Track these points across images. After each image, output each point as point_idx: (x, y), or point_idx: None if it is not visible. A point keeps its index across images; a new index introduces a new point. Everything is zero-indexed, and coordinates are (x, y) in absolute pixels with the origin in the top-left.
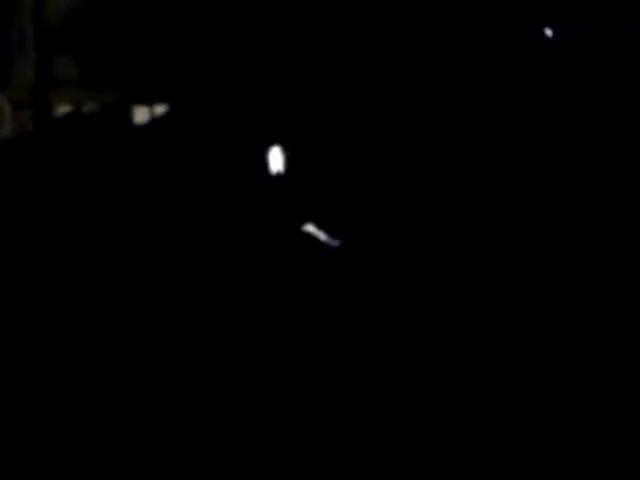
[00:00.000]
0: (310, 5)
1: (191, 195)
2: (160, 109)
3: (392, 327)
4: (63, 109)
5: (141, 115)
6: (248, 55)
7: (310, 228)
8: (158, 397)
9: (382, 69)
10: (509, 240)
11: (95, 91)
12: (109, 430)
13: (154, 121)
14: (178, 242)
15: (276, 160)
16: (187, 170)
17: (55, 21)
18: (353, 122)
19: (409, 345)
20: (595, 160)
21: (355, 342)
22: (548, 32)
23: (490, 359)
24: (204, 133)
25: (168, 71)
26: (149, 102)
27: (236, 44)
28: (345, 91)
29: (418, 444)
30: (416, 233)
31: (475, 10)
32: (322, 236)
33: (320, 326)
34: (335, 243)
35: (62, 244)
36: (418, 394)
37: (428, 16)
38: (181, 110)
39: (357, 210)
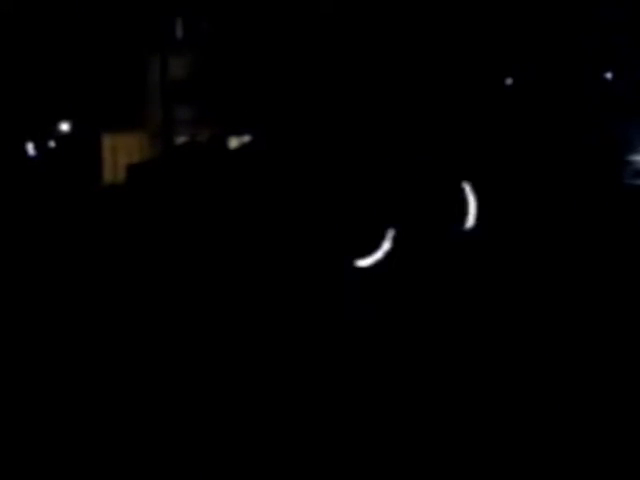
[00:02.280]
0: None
1: (262, 195)
2: (246, 138)
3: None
4: (182, 139)
5: (234, 142)
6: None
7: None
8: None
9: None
10: None
11: (204, 127)
12: None
13: (242, 146)
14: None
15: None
16: (262, 177)
17: (176, 79)
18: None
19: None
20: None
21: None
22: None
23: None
24: (272, 154)
25: (250, 116)
26: (239, 134)
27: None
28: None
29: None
30: None
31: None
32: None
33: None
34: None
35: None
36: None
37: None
38: (258, 140)
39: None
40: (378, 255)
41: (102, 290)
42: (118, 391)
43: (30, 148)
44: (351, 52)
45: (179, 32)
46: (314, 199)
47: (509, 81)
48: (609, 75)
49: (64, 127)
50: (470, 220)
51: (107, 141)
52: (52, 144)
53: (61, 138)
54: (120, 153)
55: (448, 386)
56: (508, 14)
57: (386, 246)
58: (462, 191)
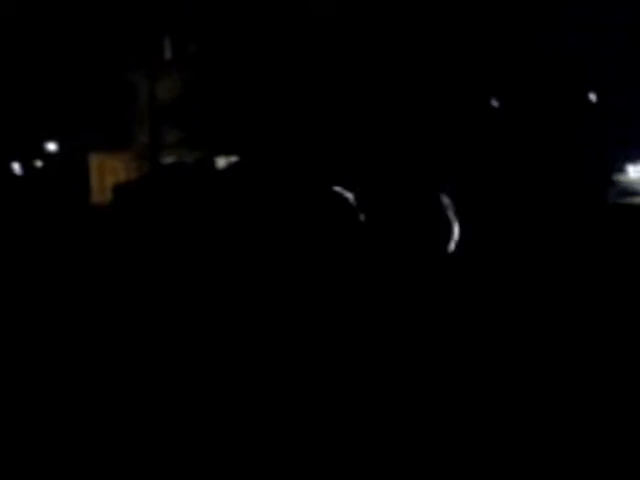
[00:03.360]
0: None
1: (249, 213)
2: (233, 159)
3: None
4: (169, 160)
5: (222, 163)
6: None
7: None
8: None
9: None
10: None
11: (191, 148)
12: None
13: (229, 166)
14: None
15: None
16: (248, 197)
17: (163, 100)
18: None
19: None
20: None
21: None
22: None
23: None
24: (259, 175)
25: (238, 137)
26: (227, 154)
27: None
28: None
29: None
30: None
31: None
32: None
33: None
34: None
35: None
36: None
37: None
38: (244, 161)
39: None
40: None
41: (89, 307)
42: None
43: (17, 167)
44: (338, 78)
45: (167, 53)
46: (300, 218)
47: (496, 102)
48: (594, 96)
49: (52, 147)
50: (453, 242)
51: (94, 161)
52: (39, 164)
53: (49, 158)
54: (107, 173)
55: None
56: (496, 30)
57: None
58: (445, 212)
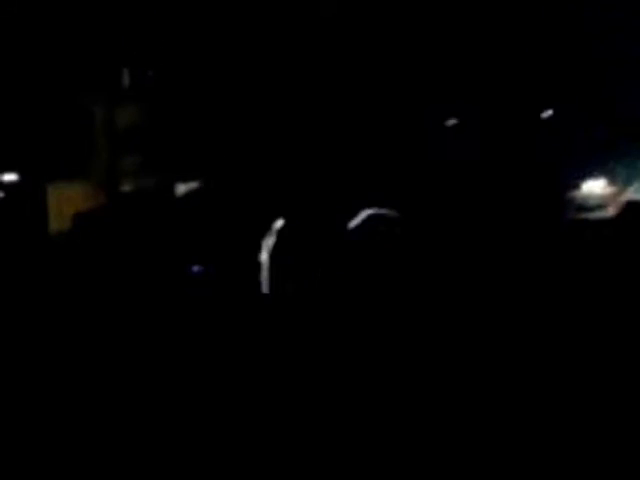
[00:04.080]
0: None
1: (208, 234)
2: (193, 185)
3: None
4: (129, 187)
5: (181, 189)
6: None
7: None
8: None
9: None
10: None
11: (151, 175)
12: None
13: (189, 193)
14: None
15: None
16: (205, 221)
17: (122, 128)
18: None
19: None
20: None
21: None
22: None
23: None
24: (217, 200)
25: (196, 165)
26: (186, 181)
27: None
28: None
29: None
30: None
31: None
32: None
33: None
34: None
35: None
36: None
37: None
38: (205, 187)
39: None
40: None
41: (50, 333)
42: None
43: None
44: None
45: (125, 80)
46: (256, 244)
47: (452, 121)
48: (550, 113)
49: (10, 177)
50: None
51: (52, 191)
52: None
53: (7, 188)
54: (66, 203)
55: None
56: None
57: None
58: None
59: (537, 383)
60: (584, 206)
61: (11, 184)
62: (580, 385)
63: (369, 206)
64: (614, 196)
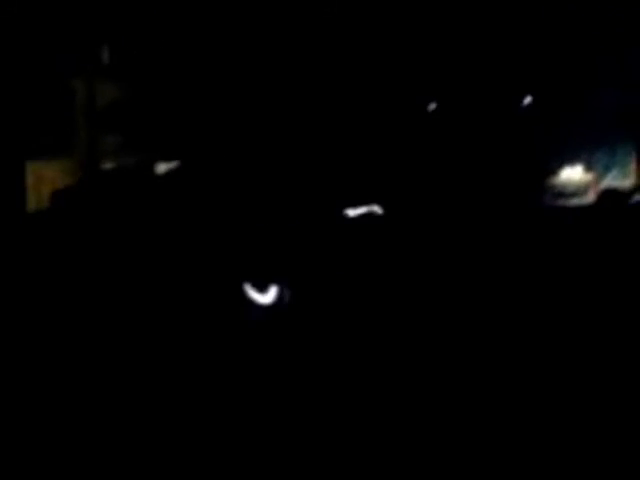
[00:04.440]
0: None
1: (187, 218)
2: (174, 164)
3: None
4: (108, 166)
5: (162, 168)
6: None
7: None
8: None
9: None
10: None
11: (132, 154)
12: None
13: (170, 172)
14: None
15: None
16: (186, 202)
17: (103, 105)
18: None
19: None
20: None
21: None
22: None
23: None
24: (198, 181)
25: (179, 142)
26: (167, 160)
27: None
28: None
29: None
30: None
31: None
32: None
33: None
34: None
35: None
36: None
37: None
38: (185, 166)
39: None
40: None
41: (26, 317)
42: None
43: None
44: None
45: (106, 57)
46: (238, 224)
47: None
48: (528, 100)
49: None
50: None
51: (31, 169)
52: None
53: None
54: (45, 182)
55: None
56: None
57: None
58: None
59: (516, 372)
60: (562, 192)
61: None
62: (559, 375)
63: (357, 202)
64: (592, 183)
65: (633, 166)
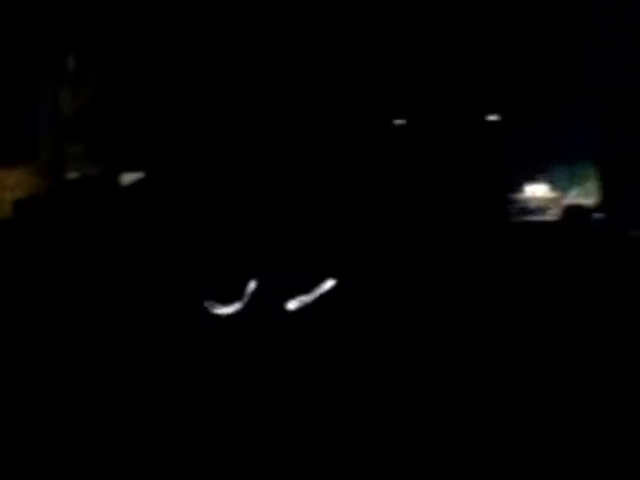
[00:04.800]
0: None
1: (153, 233)
2: (138, 175)
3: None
4: (73, 174)
5: (127, 179)
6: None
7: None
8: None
9: None
10: None
11: (96, 163)
12: None
13: (134, 183)
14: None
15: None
16: (150, 212)
17: (68, 113)
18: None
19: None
20: None
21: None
22: None
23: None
24: (163, 190)
25: (144, 152)
26: (132, 170)
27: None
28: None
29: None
30: None
31: None
32: None
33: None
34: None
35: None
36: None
37: None
38: (150, 177)
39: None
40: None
41: None
42: None
43: None
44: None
45: (72, 64)
46: (205, 237)
47: (400, 121)
48: (494, 117)
49: None
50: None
51: None
52: None
53: None
54: (6, 189)
55: None
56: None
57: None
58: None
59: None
60: (526, 209)
61: None
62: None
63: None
64: (555, 200)
65: (594, 184)
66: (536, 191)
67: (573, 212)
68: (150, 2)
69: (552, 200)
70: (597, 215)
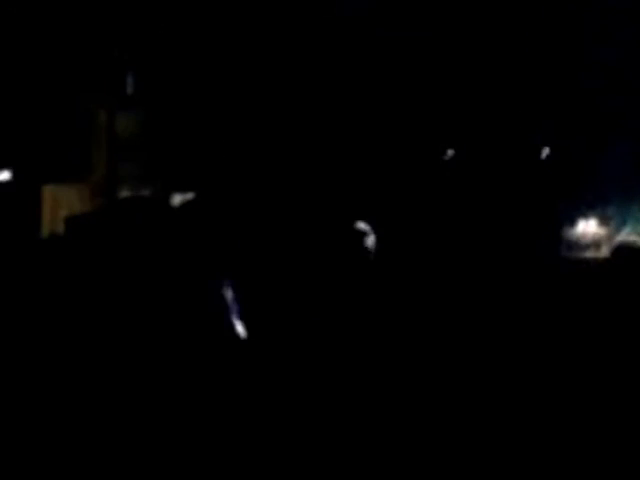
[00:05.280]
0: None
1: (203, 251)
2: (189, 196)
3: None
4: (125, 194)
5: (177, 199)
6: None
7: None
8: None
9: None
10: None
11: (148, 184)
12: None
13: (185, 203)
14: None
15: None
16: (200, 233)
17: (123, 134)
18: None
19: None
20: None
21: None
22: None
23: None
24: (211, 213)
25: (194, 174)
26: (183, 191)
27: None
28: None
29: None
30: None
31: None
32: None
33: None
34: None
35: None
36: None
37: None
38: (200, 199)
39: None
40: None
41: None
42: None
43: None
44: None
45: (130, 87)
46: (254, 257)
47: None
48: (546, 151)
49: (3, 176)
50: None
51: (48, 193)
52: None
53: (1, 188)
54: (61, 206)
55: None
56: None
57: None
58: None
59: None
60: (578, 244)
61: (5, 184)
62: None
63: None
64: (607, 237)
65: None
66: (587, 228)
67: (624, 250)
68: (208, 29)
69: (603, 237)
70: None
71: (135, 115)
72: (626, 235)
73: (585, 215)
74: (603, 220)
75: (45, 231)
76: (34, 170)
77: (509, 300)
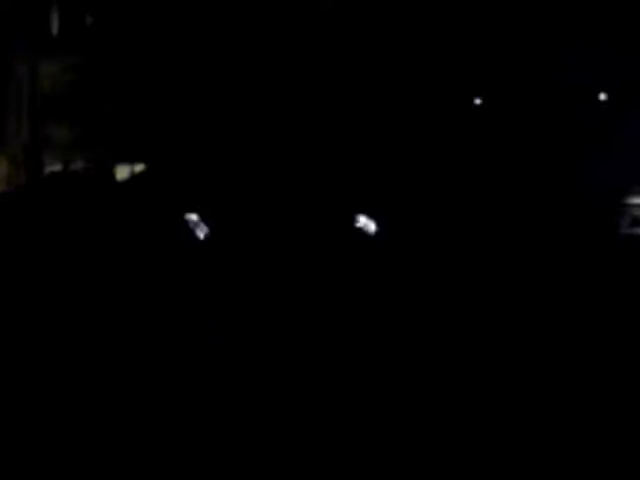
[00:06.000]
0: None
1: (148, 227)
2: (138, 168)
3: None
4: (54, 167)
5: (123, 172)
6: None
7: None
8: None
9: None
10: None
11: (83, 152)
12: None
13: (134, 177)
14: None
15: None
16: (152, 213)
17: (48, 89)
18: None
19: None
20: None
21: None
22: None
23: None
24: (165, 187)
25: (145, 139)
26: (130, 161)
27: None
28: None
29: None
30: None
31: None
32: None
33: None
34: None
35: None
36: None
37: None
38: (153, 173)
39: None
40: None
41: None
42: None
43: None
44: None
45: (55, 27)
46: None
47: (477, 101)
48: (602, 97)
49: None
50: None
51: None
52: None
53: None
54: None
55: None
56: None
57: None
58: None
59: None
60: (638, 220)
61: None
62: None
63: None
64: None
65: None
66: None
67: None
68: None
69: None
70: None
71: (64, 64)
72: None
73: None
74: None
75: None
76: None
77: (564, 275)
